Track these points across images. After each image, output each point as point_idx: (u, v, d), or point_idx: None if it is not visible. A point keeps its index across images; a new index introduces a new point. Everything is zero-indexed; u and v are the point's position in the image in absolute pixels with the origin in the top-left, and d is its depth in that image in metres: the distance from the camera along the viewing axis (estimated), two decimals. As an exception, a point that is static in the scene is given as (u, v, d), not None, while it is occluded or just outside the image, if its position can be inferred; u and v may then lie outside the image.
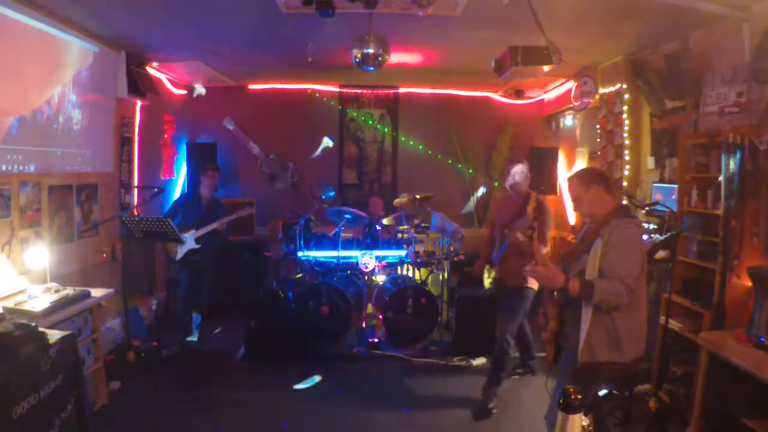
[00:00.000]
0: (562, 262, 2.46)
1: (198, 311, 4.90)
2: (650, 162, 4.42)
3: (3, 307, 2.83)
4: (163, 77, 5.72)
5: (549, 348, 2.47)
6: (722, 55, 3.50)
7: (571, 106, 5.68)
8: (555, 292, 2.40)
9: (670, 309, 3.32)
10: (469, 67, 5.33)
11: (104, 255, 4.52)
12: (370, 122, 6.85)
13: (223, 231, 4.72)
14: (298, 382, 3.98)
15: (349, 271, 5.31)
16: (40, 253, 3.36)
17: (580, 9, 3.44)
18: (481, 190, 6.90)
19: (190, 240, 4.52)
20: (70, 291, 3.19)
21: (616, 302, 2.14)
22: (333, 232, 5.24)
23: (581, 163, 5.77)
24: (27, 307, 2.87)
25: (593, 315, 2.20)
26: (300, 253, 5.21)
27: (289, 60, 5.31)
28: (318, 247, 5.28)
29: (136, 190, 5.06)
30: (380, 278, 5.35)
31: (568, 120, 6.30)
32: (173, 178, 6.08)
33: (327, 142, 6.39)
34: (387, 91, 6.78)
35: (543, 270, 2.23)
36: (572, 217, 6.22)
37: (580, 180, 2.39)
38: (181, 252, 4.54)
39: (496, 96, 6.81)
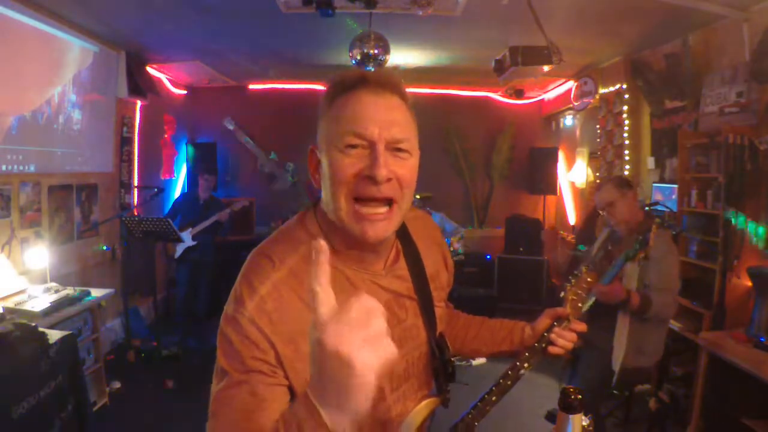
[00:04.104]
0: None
1: (198, 309, 4.91)
2: (650, 162, 4.42)
3: (3, 307, 2.83)
4: (163, 77, 5.71)
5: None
6: (722, 55, 3.50)
7: (571, 106, 5.67)
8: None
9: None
10: (469, 67, 5.33)
11: (103, 248, 4.52)
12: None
13: (225, 225, 4.77)
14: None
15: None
16: (40, 253, 3.36)
17: (580, 9, 3.44)
18: None
19: (187, 238, 4.56)
20: (70, 291, 3.19)
21: (667, 314, 2.21)
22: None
23: (581, 163, 5.77)
24: (27, 307, 2.87)
25: (632, 324, 2.21)
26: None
27: (289, 60, 5.31)
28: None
29: (136, 190, 5.07)
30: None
31: (568, 120, 6.30)
32: (173, 178, 6.08)
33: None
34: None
35: (606, 288, 2.21)
36: (572, 217, 6.22)
37: (615, 186, 2.41)
38: (179, 250, 4.58)
39: (496, 96, 6.81)
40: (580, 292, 1.19)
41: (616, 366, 2.24)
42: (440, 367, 1.05)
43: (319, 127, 0.87)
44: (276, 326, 0.81)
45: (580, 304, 1.18)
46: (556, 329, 1.12)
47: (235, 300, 0.84)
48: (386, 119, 0.81)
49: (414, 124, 0.87)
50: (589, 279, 1.21)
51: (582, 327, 1.14)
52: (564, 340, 1.11)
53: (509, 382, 1.11)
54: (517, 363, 1.12)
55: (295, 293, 0.82)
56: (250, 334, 0.81)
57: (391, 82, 0.85)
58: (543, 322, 1.14)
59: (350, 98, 0.82)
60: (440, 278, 1.09)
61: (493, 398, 1.12)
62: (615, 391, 3.41)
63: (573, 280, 1.22)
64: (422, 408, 1.02)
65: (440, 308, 1.07)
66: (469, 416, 1.12)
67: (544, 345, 1.12)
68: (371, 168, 0.79)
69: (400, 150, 0.83)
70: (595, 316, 2.33)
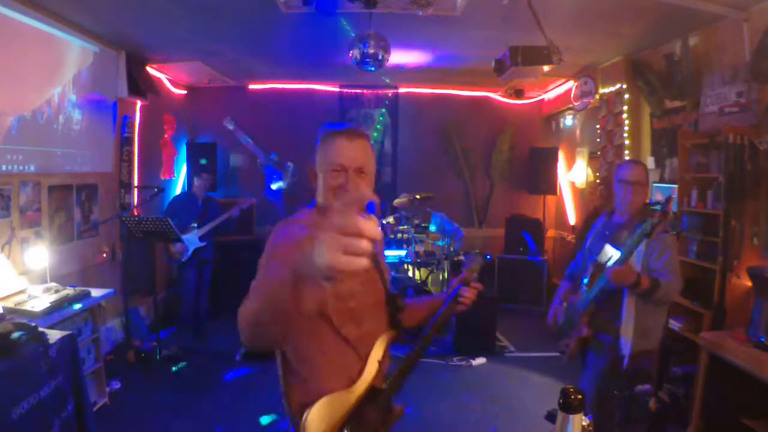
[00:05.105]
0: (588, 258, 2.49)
1: (201, 310, 4.90)
2: (650, 162, 4.42)
3: (3, 307, 2.83)
4: (163, 77, 5.71)
5: (574, 343, 2.47)
6: (722, 55, 3.50)
7: (571, 106, 5.68)
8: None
9: (670, 309, 3.32)
10: (469, 67, 5.34)
11: (104, 255, 4.52)
12: (370, 122, 6.84)
13: (233, 223, 4.77)
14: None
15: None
16: (40, 253, 3.36)
17: (581, 9, 3.44)
18: None
19: (194, 239, 4.53)
20: (70, 291, 3.19)
21: (672, 296, 2.30)
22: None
23: (581, 164, 5.77)
24: (27, 307, 2.88)
25: (638, 309, 2.27)
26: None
27: (289, 60, 5.31)
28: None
29: (136, 190, 5.07)
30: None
31: (568, 120, 6.30)
32: (173, 178, 6.08)
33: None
34: (387, 91, 6.78)
35: (619, 268, 2.22)
36: (572, 217, 6.22)
37: (647, 173, 2.50)
38: (188, 252, 4.54)
39: (496, 96, 6.81)
40: (474, 266, 1.70)
41: (626, 350, 2.26)
42: (393, 307, 1.52)
43: (317, 156, 1.42)
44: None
45: (475, 274, 1.69)
46: (462, 288, 1.63)
47: (279, 227, 1.38)
48: (354, 156, 1.37)
49: (372, 153, 1.45)
50: (479, 257, 1.73)
51: (479, 286, 1.66)
52: (469, 294, 1.63)
53: (437, 327, 1.60)
54: (440, 311, 1.61)
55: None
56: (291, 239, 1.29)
57: (359, 133, 1.41)
58: (453, 286, 1.65)
59: (335, 142, 1.38)
60: (381, 250, 1.70)
61: (434, 333, 1.58)
62: (616, 391, 3.41)
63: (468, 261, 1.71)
64: (383, 339, 1.47)
65: (385, 270, 1.56)
66: (417, 350, 1.55)
67: (457, 300, 1.62)
68: (345, 184, 1.36)
69: (362, 172, 1.38)
70: (600, 306, 2.35)
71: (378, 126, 6.83)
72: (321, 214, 1.41)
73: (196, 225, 4.60)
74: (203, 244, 4.60)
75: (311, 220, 1.38)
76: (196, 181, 4.83)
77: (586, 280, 2.43)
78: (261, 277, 1.19)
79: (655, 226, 2.11)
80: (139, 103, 5.07)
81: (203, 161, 6.01)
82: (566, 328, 2.54)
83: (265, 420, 3.44)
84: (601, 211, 2.80)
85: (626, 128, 4.65)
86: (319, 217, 1.39)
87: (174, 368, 4.10)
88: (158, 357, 4.24)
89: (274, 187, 6.30)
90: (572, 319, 2.49)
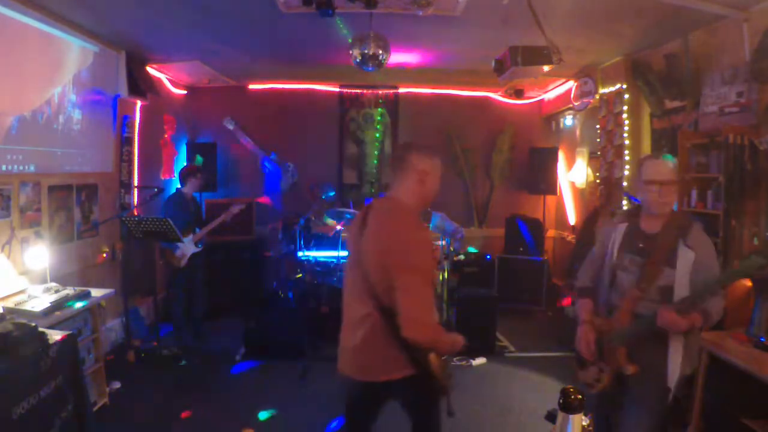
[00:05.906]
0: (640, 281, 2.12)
1: (196, 311, 4.89)
2: (650, 162, 4.41)
3: (3, 307, 2.83)
4: (163, 77, 5.71)
5: (608, 377, 2.19)
6: (722, 55, 3.51)
7: (571, 106, 5.68)
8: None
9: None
10: (469, 67, 5.34)
11: (104, 255, 4.52)
12: (370, 122, 6.85)
13: (225, 224, 4.76)
14: (300, 381, 3.98)
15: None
16: (40, 253, 3.36)
17: (581, 9, 3.44)
18: None
19: (190, 245, 4.50)
20: (70, 291, 3.19)
21: (720, 317, 2.02)
22: (333, 232, 5.24)
23: (581, 163, 5.77)
24: (27, 307, 2.88)
25: (685, 336, 2.03)
26: (300, 253, 5.22)
27: (289, 60, 5.31)
28: (318, 247, 5.28)
29: (136, 190, 5.06)
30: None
31: (568, 120, 6.30)
32: (173, 178, 6.08)
33: None
34: (387, 91, 6.77)
35: (686, 318, 1.94)
36: (572, 217, 6.22)
37: (676, 169, 2.12)
38: (186, 257, 4.50)
39: (496, 96, 6.81)
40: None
41: (674, 379, 2.07)
42: None
43: (431, 166, 2.13)
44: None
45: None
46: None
47: (416, 228, 2.02)
48: None
49: None
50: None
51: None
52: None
53: None
54: None
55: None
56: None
57: None
58: None
59: (439, 161, 2.13)
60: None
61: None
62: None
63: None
64: None
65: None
66: None
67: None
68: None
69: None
70: (644, 340, 2.09)
71: (378, 126, 6.83)
72: (415, 206, 2.10)
73: (193, 230, 4.57)
74: (199, 249, 4.58)
75: (420, 219, 2.10)
76: (191, 181, 4.67)
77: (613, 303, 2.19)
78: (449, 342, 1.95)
79: (763, 267, 1.72)
80: (139, 103, 5.07)
81: (199, 159, 5.96)
82: (596, 357, 2.22)
83: (263, 415, 3.45)
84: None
85: (626, 128, 4.65)
86: (418, 214, 2.11)
87: (174, 368, 4.10)
88: (158, 357, 4.23)
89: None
90: (605, 349, 2.17)
